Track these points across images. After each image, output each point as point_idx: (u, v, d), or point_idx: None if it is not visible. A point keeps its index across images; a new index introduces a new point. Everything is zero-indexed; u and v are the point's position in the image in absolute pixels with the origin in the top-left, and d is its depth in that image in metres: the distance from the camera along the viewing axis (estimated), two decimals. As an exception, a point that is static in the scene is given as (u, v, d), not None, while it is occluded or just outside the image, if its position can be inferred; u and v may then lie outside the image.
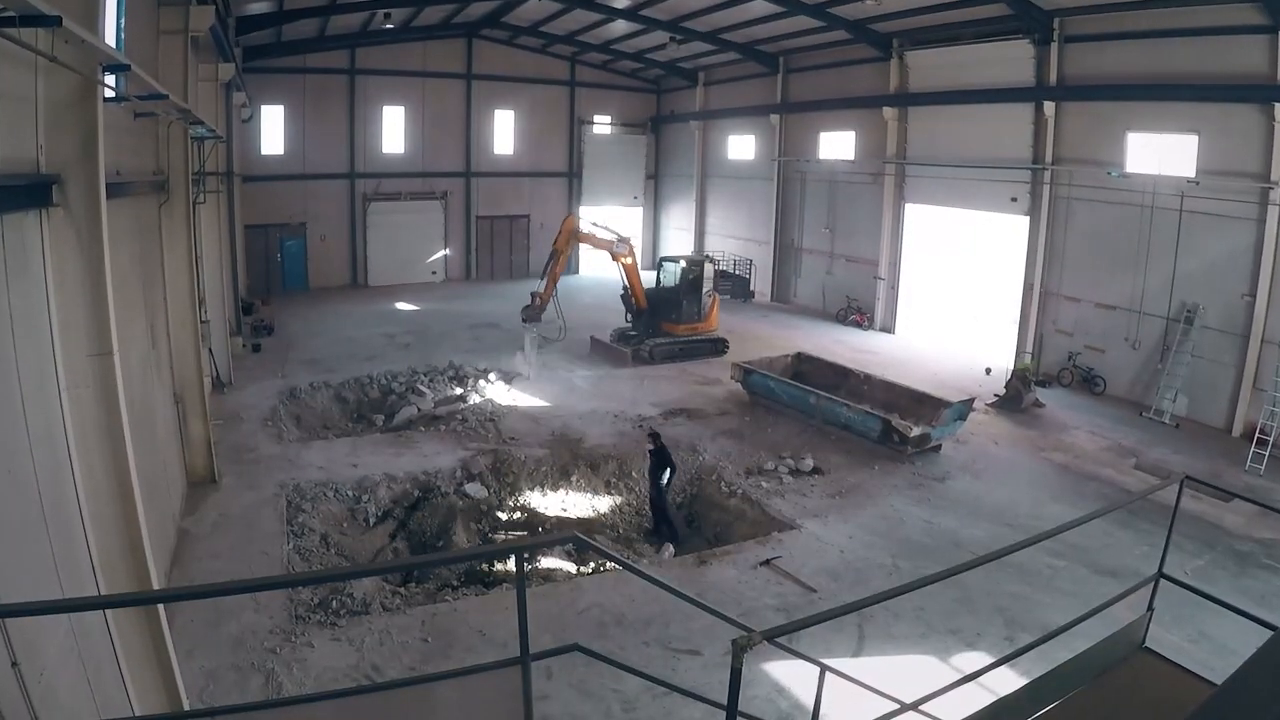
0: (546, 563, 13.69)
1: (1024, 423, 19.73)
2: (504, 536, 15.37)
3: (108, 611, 6.34)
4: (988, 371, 23.42)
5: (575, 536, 4.41)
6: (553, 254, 23.67)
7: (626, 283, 25.11)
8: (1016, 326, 24.73)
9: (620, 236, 24.71)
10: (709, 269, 25.96)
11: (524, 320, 23.18)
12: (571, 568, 13.55)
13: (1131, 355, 21.54)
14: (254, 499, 14.32)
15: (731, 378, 21.04)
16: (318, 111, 34.72)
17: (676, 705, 8.89)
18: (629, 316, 25.80)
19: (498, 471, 16.35)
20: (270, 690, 9.10)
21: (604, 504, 16.13)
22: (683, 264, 25.84)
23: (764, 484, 15.92)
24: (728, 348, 25.43)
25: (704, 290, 25.56)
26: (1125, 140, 21.40)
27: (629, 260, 24.58)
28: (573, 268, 41.68)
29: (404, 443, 17.44)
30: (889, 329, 29.52)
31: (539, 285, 23.61)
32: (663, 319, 25.38)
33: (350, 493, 15.09)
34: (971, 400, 18.54)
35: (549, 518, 15.79)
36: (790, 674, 9.46)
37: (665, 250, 42.61)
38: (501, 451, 16.87)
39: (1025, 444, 18.32)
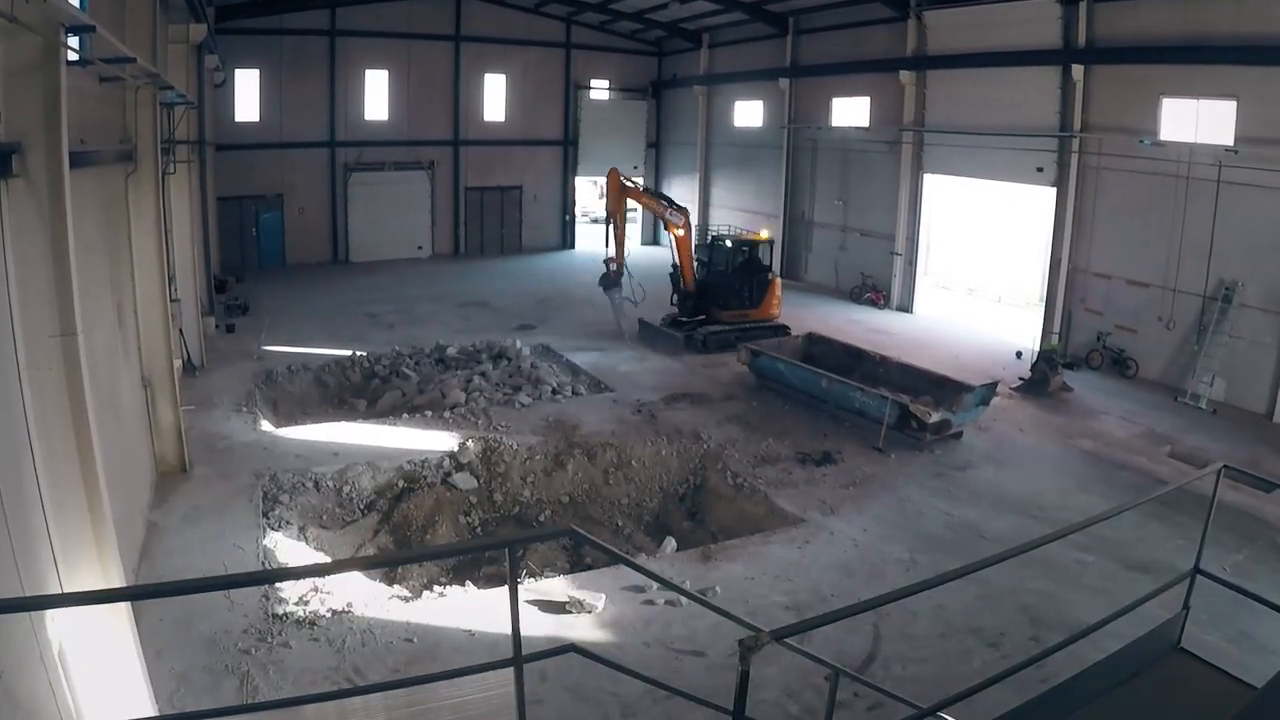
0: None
1: (1051, 408, 19.71)
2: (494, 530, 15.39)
3: (71, 610, 6.32)
4: (1018, 355, 23.11)
5: (572, 530, 4.39)
6: (608, 217, 24.58)
7: (676, 258, 24.58)
8: (1042, 305, 24.69)
9: (675, 204, 24.62)
10: (764, 248, 25.27)
11: (604, 288, 24.22)
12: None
13: (1165, 336, 21.49)
14: (228, 490, 14.29)
15: (739, 360, 21.00)
16: (296, 75, 34.52)
17: (679, 710, 8.88)
18: (674, 298, 25.18)
19: (488, 461, 16.33)
20: (245, 694, 9.10)
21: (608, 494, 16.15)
22: (728, 243, 25.05)
23: (772, 473, 15.92)
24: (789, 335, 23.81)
25: (759, 272, 24.87)
26: (1159, 106, 21.29)
27: (680, 232, 24.12)
28: (568, 242, 41.72)
29: (388, 430, 17.42)
30: (906, 308, 29.48)
31: (609, 251, 24.49)
32: (713, 304, 24.55)
33: (330, 483, 15.08)
34: (995, 384, 18.52)
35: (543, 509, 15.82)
36: (801, 677, 9.47)
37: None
38: (492, 439, 16.84)
39: (1052, 430, 18.31)
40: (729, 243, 24.94)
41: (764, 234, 26.37)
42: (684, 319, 24.64)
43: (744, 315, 24.36)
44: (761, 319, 24.49)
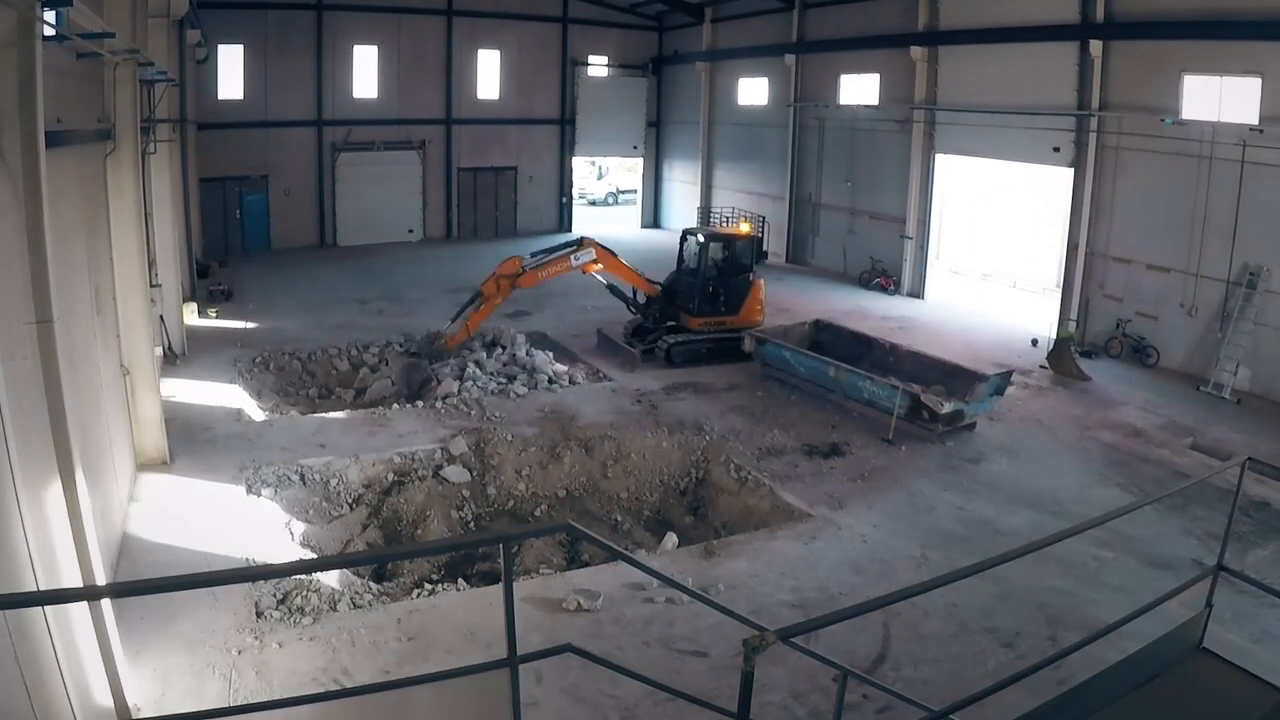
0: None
1: (1068, 398, 19.70)
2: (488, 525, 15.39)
3: (47, 608, 6.31)
4: (1034, 343, 23.21)
5: (569, 525, 4.38)
6: (476, 298, 20.59)
7: (612, 282, 22.13)
8: (1059, 291, 24.65)
9: (573, 245, 21.24)
10: (742, 245, 22.32)
11: (411, 352, 21.32)
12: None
13: (1187, 323, 21.46)
14: (210, 482, 14.26)
15: (743, 348, 20.96)
16: (281, 51, 34.39)
17: (680, 712, 8.88)
18: (633, 307, 22.50)
19: (481, 453, 16.33)
20: (229, 695, 9.11)
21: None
22: (699, 238, 22.29)
23: (777, 466, 15.92)
24: None
25: (739, 273, 22.04)
26: (1181, 84, 21.20)
27: (599, 266, 21.23)
28: (565, 226, 41.67)
29: (377, 421, 17.39)
30: (917, 294, 29.46)
31: (450, 326, 21.11)
32: (683, 310, 21.89)
33: (317, 476, 15.07)
34: (1009, 373, 18.47)
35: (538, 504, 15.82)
36: (808, 678, 9.47)
37: (668, 208, 42.62)
38: (485, 431, 16.84)
39: (1069, 421, 18.28)
40: (701, 238, 22.27)
41: (744, 228, 24.48)
42: (648, 326, 22.10)
43: (720, 322, 21.73)
44: (741, 325, 21.57)
